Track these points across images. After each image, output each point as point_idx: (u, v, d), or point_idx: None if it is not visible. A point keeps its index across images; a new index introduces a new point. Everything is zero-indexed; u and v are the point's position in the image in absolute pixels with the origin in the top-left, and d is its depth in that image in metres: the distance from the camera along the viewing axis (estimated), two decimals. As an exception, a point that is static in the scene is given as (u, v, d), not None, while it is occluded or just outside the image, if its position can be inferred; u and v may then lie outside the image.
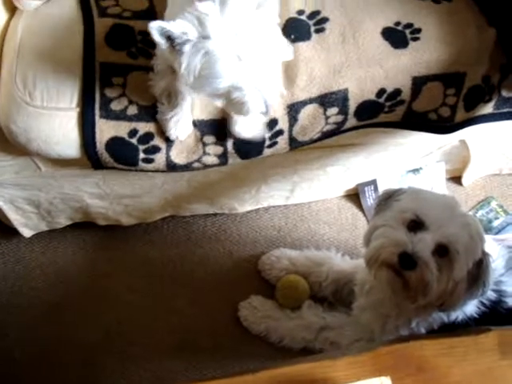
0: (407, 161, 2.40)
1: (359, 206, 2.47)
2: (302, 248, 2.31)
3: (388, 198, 1.70)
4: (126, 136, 1.77)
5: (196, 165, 1.87)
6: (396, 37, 1.87)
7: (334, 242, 2.39)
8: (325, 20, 1.88)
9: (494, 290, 1.68)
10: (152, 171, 1.88)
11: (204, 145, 1.82)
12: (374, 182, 2.43)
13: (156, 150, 1.80)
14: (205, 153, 1.84)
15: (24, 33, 1.82)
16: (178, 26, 1.39)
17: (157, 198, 2.22)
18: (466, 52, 1.90)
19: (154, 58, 1.73)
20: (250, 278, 2.26)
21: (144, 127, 1.77)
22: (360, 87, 1.85)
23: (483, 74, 1.95)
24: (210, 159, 1.86)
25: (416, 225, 1.57)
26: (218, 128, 1.82)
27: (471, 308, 1.68)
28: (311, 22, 1.87)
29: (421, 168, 2.45)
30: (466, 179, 2.52)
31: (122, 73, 1.77)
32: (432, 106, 1.95)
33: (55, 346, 2.13)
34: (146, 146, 1.79)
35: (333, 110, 1.86)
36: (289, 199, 2.41)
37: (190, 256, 2.32)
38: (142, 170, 1.87)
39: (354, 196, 2.49)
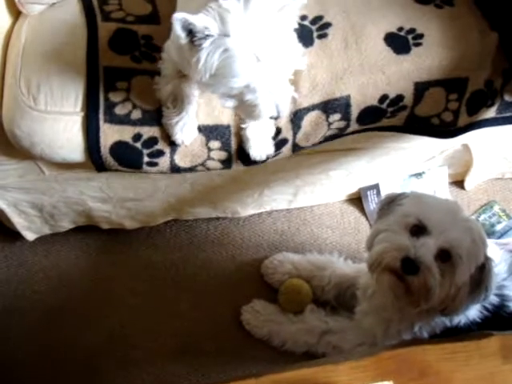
0: (410, 165, 2.40)
1: (362, 210, 2.47)
2: (305, 252, 2.30)
3: (390, 203, 1.70)
4: (130, 140, 1.77)
5: (200, 168, 1.87)
6: (398, 42, 1.88)
7: (337, 246, 2.39)
8: (327, 25, 1.88)
9: (496, 295, 1.68)
10: (155, 173, 1.88)
11: (209, 150, 1.83)
12: (376, 186, 2.43)
13: (160, 154, 1.81)
14: (209, 157, 1.84)
15: (28, 37, 1.82)
16: (200, 20, 1.38)
17: (160, 202, 2.22)
18: (469, 57, 1.91)
19: (160, 62, 1.73)
20: (252, 282, 2.26)
21: (148, 131, 1.78)
22: (362, 93, 1.85)
23: (486, 79, 1.95)
24: (214, 164, 1.86)
25: (418, 229, 1.57)
26: (223, 134, 1.82)
27: (474, 312, 1.68)
28: (314, 28, 1.88)
29: (423, 172, 2.45)
30: (468, 183, 2.52)
31: (125, 77, 1.78)
32: (434, 111, 1.95)
33: (58, 350, 2.12)
34: (151, 150, 1.79)
35: (335, 117, 1.86)
36: (291, 203, 2.42)
37: (193, 260, 2.32)
38: (146, 172, 1.87)
39: (357, 200, 2.49)
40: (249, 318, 2.14)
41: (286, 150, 1.90)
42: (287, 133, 1.86)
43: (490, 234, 2.40)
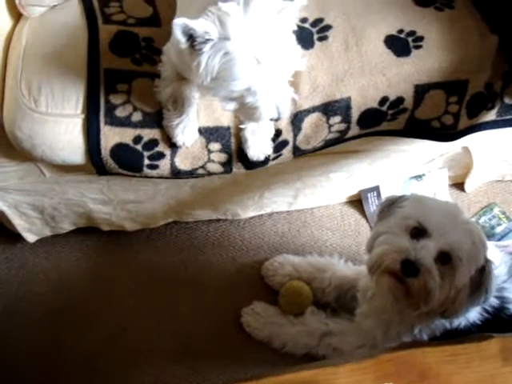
0: (410, 167, 2.40)
1: (362, 212, 2.47)
2: (305, 254, 2.31)
3: (391, 205, 1.71)
4: (130, 142, 1.77)
5: (200, 171, 1.87)
6: (399, 45, 1.88)
7: (337, 248, 2.39)
8: (328, 28, 1.89)
9: (496, 297, 1.68)
10: (156, 177, 1.88)
11: (209, 152, 1.83)
12: (376, 189, 2.43)
13: (161, 156, 1.81)
14: (209, 160, 1.84)
15: (29, 39, 1.83)
16: (200, 24, 1.38)
17: (160, 204, 2.22)
18: (469, 59, 1.91)
19: (160, 65, 1.74)
20: (252, 284, 2.26)
21: (149, 134, 1.78)
22: (363, 95, 1.85)
23: (486, 82, 1.95)
24: (215, 166, 1.86)
25: (419, 232, 1.57)
26: (223, 136, 1.83)
27: (474, 315, 1.68)
28: (314, 30, 1.89)
29: (424, 174, 2.45)
30: (468, 186, 2.52)
31: (126, 79, 1.78)
32: (435, 113, 1.95)
33: (58, 351, 2.13)
34: (151, 152, 1.80)
35: (336, 119, 1.87)
36: (292, 205, 2.42)
37: (193, 262, 2.32)
38: (146, 176, 1.88)
39: (357, 202, 2.49)
40: (249, 320, 2.14)
41: (287, 152, 1.90)
42: (287, 135, 1.86)
43: (490, 236, 2.40)
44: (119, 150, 1.78)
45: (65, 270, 2.30)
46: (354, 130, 1.92)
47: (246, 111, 1.53)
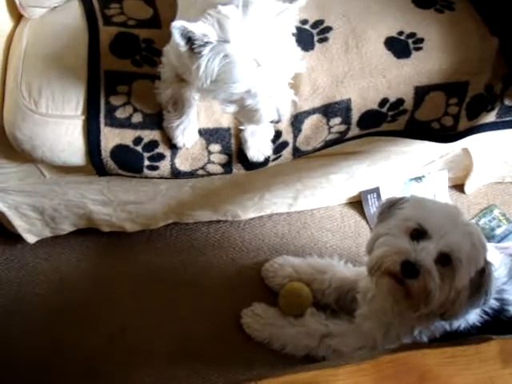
0: (410, 169, 2.40)
1: (362, 213, 2.47)
2: (305, 255, 2.31)
3: (391, 207, 1.71)
4: (130, 144, 1.78)
5: (200, 172, 1.88)
6: (399, 46, 1.88)
7: (337, 249, 2.39)
8: (328, 29, 1.89)
9: (496, 299, 1.68)
10: (156, 178, 1.89)
11: (209, 153, 1.83)
12: (376, 190, 2.43)
13: (161, 157, 1.81)
14: (209, 161, 1.84)
15: (29, 41, 1.83)
16: (199, 27, 1.38)
17: (160, 205, 2.22)
18: (469, 61, 1.91)
19: (160, 66, 1.74)
20: (252, 285, 2.26)
21: (149, 135, 1.78)
22: (363, 97, 1.86)
23: (486, 83, 1.95)
24: (215, 168, 1.87)
25: (419, 233, 1.57)
26: (223, 137, 1.83)
27: (474, 316, 1.68)
28: (315, 32, 1.89)
29: (423, 176, 2.45)
30: (468, 187, 2.52)
31: (126, 81, 1.78)
32: (435, 115, 1.95)
33: (58, 352, 2.13)
34: (151, 153, 1.80)
35: (336, 120, 1.87)
36: (292, 207, 2.42)
37: (193, 263, 2.32)
38: (146, 177, 1.88)
39: (357, 204, 2.49)
40: (249, 321, 2.14)
41: (287, 153, 1.90)
42: (287, 136, 1.86)
43: (490, 237, 2.40)
44: (119, 152, 1.78)
45: (65, 271, 2.30)
46: (354, 131, 1.93)
47: (246, 114, 1.53)
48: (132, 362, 2.13)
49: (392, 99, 1.88)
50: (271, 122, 1.56)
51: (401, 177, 2.44)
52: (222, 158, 1.85)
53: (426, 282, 1.51)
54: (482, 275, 1.57)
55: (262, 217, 2.43)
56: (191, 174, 1.87)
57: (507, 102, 2.02)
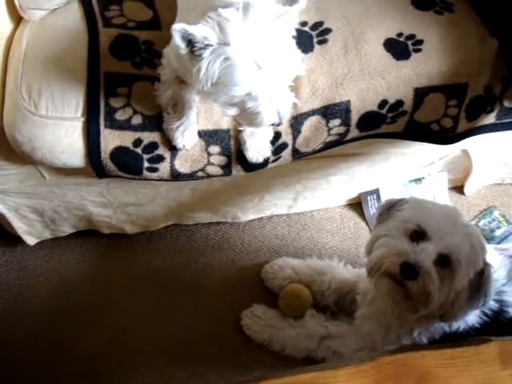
0: (410, 170, 2.40)
1: (362, 215, 2.47)
2: (305, 257, 2.31)
3: (390, 208, 1.71)
4: (130, 145, 1.78)
5: (200, 174, 1.88)
6: (398, 48, 1.88)
7: (337, 250, 2.39)
8: (328, 31, 1.89)
9: (495, 300, 1.68)
10: (156, 180, 1.89)
11: (209, 155, 1.83)
12: (376, 192, 2.43)
13: (160, 159, 1.81)
14: (209, 162, 1.85)
15: (29, 42, 1.83)
16: (199, 30, 1.39)
17: (160, 207, 2.22)
18: (468, 63, 1.91)
19: (160, 68, 1.74)
20: (252, 287, 2.26)
21: (148, 137, 1.78)
22: (362, 99, 1.86)
23: (485, 85, 1.96)
24: (214, 169, 1.87)
25: (418, 235, 1.57)
26: (222, 138, 1.83)
27: (473, 318, 1.68)
28: (314, 33, 1.89)
29: (423, 178, 2.45)
30: (468, 189, 2.52)
31: (126, 83, 1.78)
32: (434, 116, 1.96)
33: (58, 353, 2.13)
34: (151, 155, 1.80)
35: (335, 122, 1.87)
36: (291, 208, 2.42)
37: (193, 264, 2.32)
38: (146, 179, 1.88)
39: (357, 205, 2.49)
40: (249, 322, 2.14)
41: (286, 154, 1.90)
42: (287, 137, 1.86)
43: (490, 239, 2.40)
44: (119, 153, 1.78)
45: (65, 273, 2.30)
46: (354, 132, 1.93)
47: (246, 116, 1.54)
48: (132, 363, 2.13)
49: (391, 101, 1.88)
50: (272, 124, 1.56)
51: (400, 178, 2.44)
52: (222, 159, 1.85)
53: (425, 284, 1.51)
54: (482, 277, 1.57)
55: (261, 218, 2.43)
56: (191, 176, 1.87)
57: (506, 104, 2.02)
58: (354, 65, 1.86)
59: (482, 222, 2.47)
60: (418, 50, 1.89)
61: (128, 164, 1.81)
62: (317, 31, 1.90)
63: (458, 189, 2.56)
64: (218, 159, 1.85)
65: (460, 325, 1.69)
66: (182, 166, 1.84)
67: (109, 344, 2.15)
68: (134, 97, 1.77)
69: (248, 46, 1.40)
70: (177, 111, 1.74)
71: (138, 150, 1.78)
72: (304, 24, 1.90)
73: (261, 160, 1.85)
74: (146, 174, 1.83)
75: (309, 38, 1.88)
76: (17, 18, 1.92)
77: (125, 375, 2.11)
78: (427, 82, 1.89)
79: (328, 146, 1.95)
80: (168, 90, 1.72)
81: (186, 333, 2.18)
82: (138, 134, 1.77)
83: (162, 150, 1.80)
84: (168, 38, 1.66)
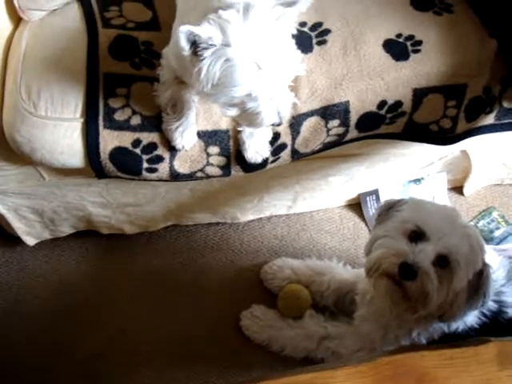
0: (409, 171, 2.40)
1: (361, 215, 2.47)
2: (304, 257, 2.31)
3: (389, 209, 1.71)
4: (129, 146, 1.78)
5: (199, 174, 1.88)
6: (397, 49, 1.89)
7: (336, 251, 2.39)
8: (327, 32, 1.90)
9: (494, 301, 1.68)
10: (155, 180, 1.89)
11: (208, 155, 1.83)
12: (375, 192, 2.43)
13: (159, 159, 1.81)
14: (208, 163, 1.85)
15: (29, 43, 1.83)
16: (205, 30, 1.39)
17: (160, 207, 2.22)
18: (467, 64, 1.91)
19: (159, 68, 1.74)
20: (251, 288, 2.26)
21: (147, 137, 1.78)
22: (361, 99, 1.86)
23: (484, 86, 1.96)
24: (213, 170, 1.87)
25: (417, 235, 1.57)
26: (222, 139, 1.83)
27: (472, 318, 1.68)
28: (313, 34, 1.89)
29: (422, 178, 2.46)
30: (467, 189, 2.52)
31: (125, 83, 1.78)
32: (433, 117, 1.96)
33: (58, 354, 2.13)
34: (150, 155, 1.80)
35: (334, 122, 1.87)
36: (291, 209, 2.42)
37: (192, 265, 2.32)
38: (145, 180, 1.88)
39: (356, 206, 2.49)
40: (248, 323, 2.14)
41: (285, 155, 1.91)
42: (286, 138, 1.86)
43: (489, 239, 2.40)
44: (118, 154, 1.78)
45: (64, 273, 2.30)
46: (353, 133, 1.93)
47: (247, 117, 1.54)
48: (132, 363, 2.13)
49: (390, 101, 1.89)
50: (272, 124, 1.56)
51: (400, 179, 2.44)
52: (221, 160, 1.85)
53: (423, 284, 1.51)
54: (480, 277, 1.57)
55: (261, 219, 2.43)
56: (190, 177, 1.88)
57: (506, 105, 2.02)
58: (353, 65, 1.86)
59: (481, 223, 2.47)
60: (417, 51, 1.89)
61: (127, 164, 1.81)
62: (316, 32, 1.90)
63: (458, 189, 2.56)
64: (217, 160, 1.85)
65: (459, 325, 1.69)
66: (181, 166, 1.84)
67: (108, 344, 2.15)
68: (133, 97, 1.77)
69: (248, 46, 1.40)
70: (176, 112, 1.74)
71: (137, 151, 1.78)
72: (303, 25, 1.90)
73: (260, 160, 1.85)
74: (145, 174, 1.83)
75: (308, 38, 1.88)
76: (16, 19, 1.92)
77: (124, 375, 2.11)
78: (426, 82, 1.89)
79: (327, 146, 1.95)
80: (167, 90, 1.72)
81: (185, 333, 2.18)
82: (137, 135, 1.77)
83: (161, 151, 1.80)
84: (167, 38, 1.68)
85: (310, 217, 2.47)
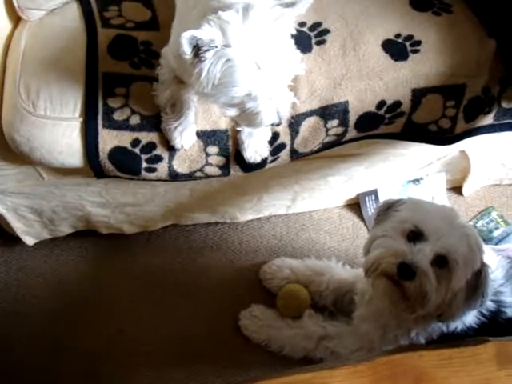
0: (408, 171, 2.40)
1: (360, 215, 2.47)
2: (303, 257, 2.31)
3: (388, 209, 1.71)
4: (128, 146, 1.78)
5: (198, 174, 1.88)
6: (396, 49, 1.89)
7: (335, 251, 2.39)
8: (326, 32, 1.90)
9: (493, 301, 1.68)
10: (154, 180, 1.89)
11: (207, 155, 1.83)
12: (374, 192, 2.43)
13: (159, 159, 1.81)
14: (207, 163, 1.85)
15: (28, 43, 1.83)
16: (207, 33, 1.39)
17: (159, 207, 2.22)
18: (466, 64, 1.91)
19: (158, 68, 1.74)
20: (251, 287, 2.26)
21: (146, 137, 1.78)
22: (360, 99, 1.86)
23: (483, 86, 1.96)
24: (213, 170, 1.87)
25: (415, 235, 1.57)
26: (221, 139, 1.83)
27: (471, 318, 1.69)
28: (312, 34, 1.89)
29: (421, 178, 2.46)
30: (466, 189, 2.53)
31: (124, 83, 1.78)
32: (432, 117, 1.96)
33: (57, 354, 2.13)
34: (149, 155, 1.80)
35: (333, 122, 1.87)
36: (290, 208, 2.42)
37: (192, 264, 2.32)
38: (144, 179, 1.88)
39: (355, 205, 2.49)
40: (247, 323, 2.14)
41: (284, 155, 1.91)
42: (285, 138, 1.86)
43: (488, 240, 2.40)
44: (117, 153, 1.78)
45: (64, 273, 2.30)
46: (352, 133, 1.93)
47: (246, 117, 1.54)
48: (131, 363, 2.13)
49: (389, 101, 1.89)
50: (271, 124, 1.56)
51: (399, 179, 2.44)
52: (220, 159, 1.85)
53: (422, 284, 1.51)
54: (479, 277, 1.57)
55: (260, 219, 2.43)
56: (189, 176, 1.88)
57: (504, 105, 2.03)
58: (352, 65, 1.86)
59: (480, 223, 2.47)
60: (416, 51, 1.90)
61: (126, 164, 1.81)
62: (315, 32, 1.90)
63: (457, 189, 2.56)
64: (216, 159, 1.85)
65: (457, 325, 1.69)
66: (180, 166, 1.84)
67: (108, 344, 2.16)
68: (132, 97, 1.77)
69: (248, 47, 1.40)
70: (175, 111, 1.74)
71: (136, 150, 1.79)
72: (302, 25, 1.90)
73: (259, 160, 1.85)
74: (144, 174, 1.83)
75: (307, 38, 1.88)
76: (15, 19, 1.92)
77: (124, 375, 2.11)
78: (425, 82, 1.89)
79: (326, 146, 1.95)
80: (166, 90, 1.72)
81: (184, 333, 2.18)
82: (136, 134, 1.77)
83: (160, 151, 1.80)
84: (166, 38, 1.68)
85: (309, 217, 2.47)
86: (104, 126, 1.75)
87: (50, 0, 1.86)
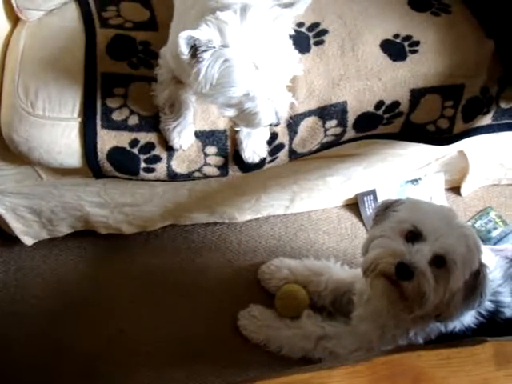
0: (406, 171, 2.41)
1: (358, 215, 2.47)
2: (302, 257, 2.31)
3: (386, 209, 1.71)
4: (127, 146, 1.78)
5: (197, 174, 1.88)
6: (395, 49, 1.89)
7: (334, 251, 2.39)
8: (324, 32, 1.90)
9: (491, 301, 1.68)
10: (153, 180, 1.89)
11: (205, 155, 1.84)
12: (373, 192, 2.44)
13: (157, 159, 1.81)
14: (206, 163, 1.85)
15: (26, 43, 1.83)
16: (204, 33, 1.39)
17: (157, 207, 2.23)
18: (465, 64, 1.92)
19: (157, 68, 1.74)
20: (249, 287, 2.27)
21: (145, 137, 1.78)
22: (359, 99, 1.86)
23: (481, 86, 1.96)
24: (211, 170, 1.87)
25: (413, 235, 1.58)
26: (219, 139, 1.83)
27: (469, 318, 1.69)
28: (311, 34, 1.89)
29: (420, 178, 2.46)
30: (464, 189, 2.53)
31: (123, 83, 1.78)
32: (430, 117, 1.96)
33: (56, 354, 2.13)
34: (148, 155, 1.80)
35: (332, 123, 1.87)
36: (288, 209, 2.42)
37: (190, 265, 2.32)
38: (142, 180, 1.88)
39: (354, 206, 2.49)
40: (246, 323, 2.14)
41: (283, 155, 1.91)
42: (283, 138, 1.86)
43: (486, 240, 2.40)
44: (116, 154, 1.78)
45: (63, 273, 2.30)
46: (350, 133, 1.93)
47: (244, 117, 1.54)
48: (131, 363, 2.13)
49: (388, 102, 1.89)
50: (270, 124, 1.56)
51: (397, 179, 2.44)
52: (218, 160, 1.85)
53: (420, 284, 1.51)
54: (477, 277, 1.57)
55: (258, 219, 2.43)
56: (187, 176, 1.88)
57: (503, 105, 2.03)
58: (350, 66, 1.86)
59: (478, 223, 2.48)
60: (414, 51, 1.90)
61: (125, 164, 1.81)
62: (313, 32, 1.90)
63: (455, 190, 2.56)
64: (214, 160, 1.85)
65: (456, 325, 1.69)
66: (179, 166, 1.84)
67: (107, 344, 2.16)
68: (131, 97, 1.77)
69: (246, 47, 1.40)
70: (174, 111, 1.74)
71: (135, 151, 1.79)
72: (301, 25, 1.90)
73: (257, 160, 1.85)
74: (142, 174, 1.83)
75: (305, 38, 1.88)
76: (14, 19, 1.92)
77: (124, 375, 2.11)
78: (423, 83, 1.89)
79: (324, 146, 1.96)
80: (165, 90, 1.72)
81: (184, 333, 2.18)
82: (134, 135, 1.77)
83: (158, 151, 1.80)
84: (165, 38, 1.68)
85: (307, 217, 2.47)
86: (103, 127, 1.75)
87: (49, 0, 1.86)
